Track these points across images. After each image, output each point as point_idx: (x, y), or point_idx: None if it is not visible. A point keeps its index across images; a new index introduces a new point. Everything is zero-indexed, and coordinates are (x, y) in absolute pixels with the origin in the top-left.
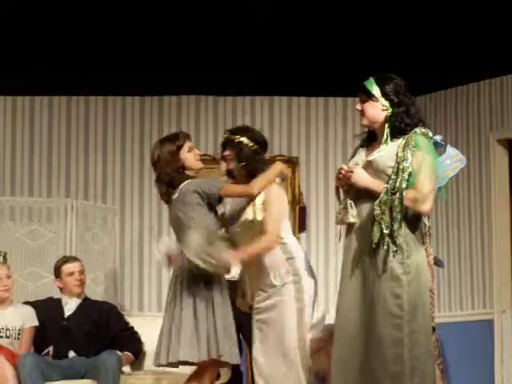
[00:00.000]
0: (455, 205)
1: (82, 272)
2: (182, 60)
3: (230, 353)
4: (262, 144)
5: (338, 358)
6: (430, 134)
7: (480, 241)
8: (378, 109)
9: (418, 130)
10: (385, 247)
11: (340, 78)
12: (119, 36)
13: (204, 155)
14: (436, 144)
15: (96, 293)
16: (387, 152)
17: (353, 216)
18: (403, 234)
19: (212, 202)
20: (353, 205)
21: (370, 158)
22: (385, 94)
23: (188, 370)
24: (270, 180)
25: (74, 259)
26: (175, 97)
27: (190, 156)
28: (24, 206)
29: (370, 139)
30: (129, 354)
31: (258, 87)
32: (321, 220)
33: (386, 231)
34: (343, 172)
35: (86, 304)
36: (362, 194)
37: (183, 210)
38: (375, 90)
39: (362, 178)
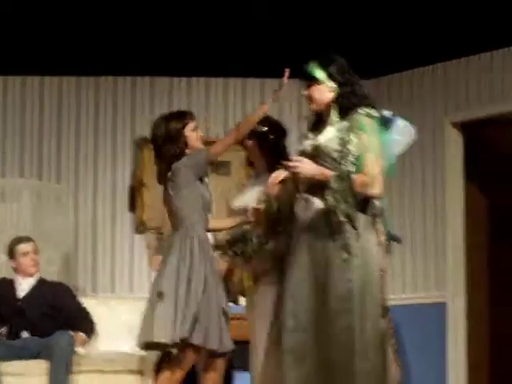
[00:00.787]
0: (409, 188)
1: (36, 252)
2: (133, 40)
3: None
4: (281, 131)
5: (291, 350)
6: (375, 114)
7: (433, 224)
8: (325, 91)
9: (361, 110)
10: (341, 234)
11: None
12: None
13: None
14: (384, 119)
15: (50, 273)
16: (333, 135)
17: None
18: (356, 217)
19: (201, 175)
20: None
21: (317, 142)
22: (329, 76)
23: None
24: (254, 122)
25: (28, 239)
26: (130, 77)
27: (193, 135)
28: None
29: (318, 122)
30: (82, 334)
31: (212, 68)
32: None
33: (343, 219)
34: (281, 175)
35: (40, 284)
36: (313, 186)
37: (175, 189)
38: (319, 73)
39: (309, 167)
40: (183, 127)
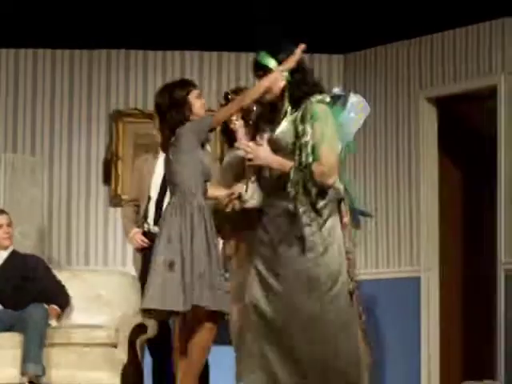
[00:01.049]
0: (383, 162)
1: (9, 225)
2: (109, 13)
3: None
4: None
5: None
6: (327, 99)
7: (408, 199)
8: (277, 80)
9: (313, 98)
10: (305, 224)
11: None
12: None
13: (133, 109)
14: (336, 97)
15: (24, 246)
16: (287, 128)
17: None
18: (319, 202)
19: (204, 141)
20: (249, 187)
21: (274, 135)
22: (280, 64)
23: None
24: (260, 91)
25: (2, 212)
26: (104, 50)
27: (197, 102)
28: None
29: (271, 112)
30: (56, 307)
31: (188, 41)
32: None
33: (303, 208)
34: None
35: (14, 257)
36: (271, 176)
37: (176, 154)
38: (270, 62)
39: (262, 157)
40: (187, 94)
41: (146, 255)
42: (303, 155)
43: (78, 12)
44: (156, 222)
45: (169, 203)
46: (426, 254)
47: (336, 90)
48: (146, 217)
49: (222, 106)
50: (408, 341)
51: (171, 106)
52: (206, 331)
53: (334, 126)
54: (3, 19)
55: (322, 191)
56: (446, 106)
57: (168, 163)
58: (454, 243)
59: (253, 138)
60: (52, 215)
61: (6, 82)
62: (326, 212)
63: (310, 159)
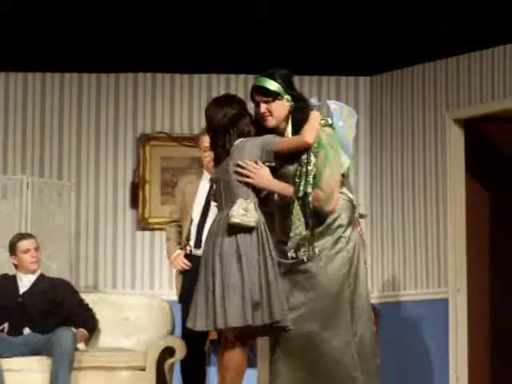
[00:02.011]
0: (411, 185)
1: (37, 249)
2: (135, 37)
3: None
4: None
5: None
6: (330, 121)
7: (435, 221)
8: (284, 106)
9: None
10: (310, 252)
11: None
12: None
13: (160, 133)
14: (314, 107)
15: (51, 269)
16: (291, 156)
17: (254, 220)
18: (339, 222)
19: (265, 159)
20: (256, 207)
21: (278, 164)
22: (285, 89)
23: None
24: (316, 127)
25: (30, 236)
26: (131, 74)
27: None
28: None
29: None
30: (83, 330)
31: (214, 64)
32: None
33: (301, 241)
34: (246, 171)
35: (41, 280)
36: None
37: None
38: (279, 88)
39: (264, 181)
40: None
41: (186, 277)
42: (303, 183)
43: (105, 36)
44: (197, 245)
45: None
46: (453, 275)
47: (312, 101)
48: (188, 239)
49: None
50: (436, 364)
51: (236, 118)
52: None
53: (337, 146)
54: (31, 43)
55: (319, 217)
56: (473, 128)
57: (226, 172)
58: (481, 264)
59: None
60: (79, 239)
61: (33, 106)
62: (349, 225)
63: (310, 189)
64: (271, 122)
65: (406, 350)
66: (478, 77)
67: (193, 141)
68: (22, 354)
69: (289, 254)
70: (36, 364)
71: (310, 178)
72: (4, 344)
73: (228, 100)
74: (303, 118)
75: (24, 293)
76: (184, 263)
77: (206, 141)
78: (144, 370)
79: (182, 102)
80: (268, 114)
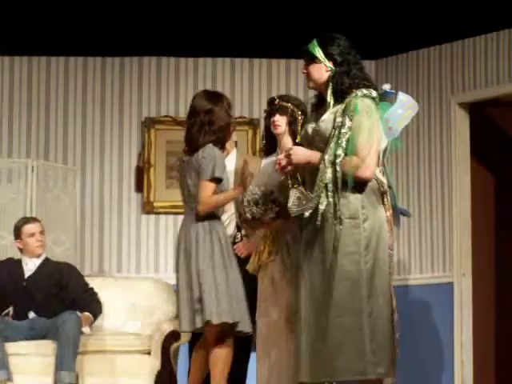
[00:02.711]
0: (416, 168)
1: (42, 233)
2: (140, 20)
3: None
4: (303, 111)
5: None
6: (374, 94)
7: (441, 204)
8: (322, 70)
9: (359, 92)
10: (336, 217)
11: (300, 40)
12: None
13: (165, 116)
14: (386, 93)
15: (56, 253)
16: (329, 118)
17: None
18: (357, 198)
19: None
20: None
21: (317, 126)
22: (328, 55)
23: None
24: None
25: (35, 220)
26: (136, 58)
27: None
28: None
29: (320, 103)
30: (88, 314)
31: (220, 48)
32: None
33: (322, 207)
34: (282, 162)
35: (47, 264)
36: (311, 176)
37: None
38: (318, 52)
39: (302, 154)
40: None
41: None
42: (336, 147)
43: (110, 19)
44: None
45: None
46: (458, 259)
47: (386, 87)
48: None
49: (265, 111)
50: (441, 347)
51: (217, 118)
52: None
53: (378, 120)
54: (35, 27)
55: (359, 184)
56: (478, 111)
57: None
58: (487, 248)
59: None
60: (84, 223)
61: (38, 90)
62: (366, 204)
63: (341, 152)
64: (309, 83)
65: (411, 333)
66: (483, 61)
67: None
68: (27, 338)
69: (306, 213)
70: (41, 348)
71: (343, 141)
72: (9, 328)
73: (216, 98)
74: (341, 85)
75: (29, 277)
76: None
77: None
78: (149, 353)
79: (186, 85)
80: (306, 75)
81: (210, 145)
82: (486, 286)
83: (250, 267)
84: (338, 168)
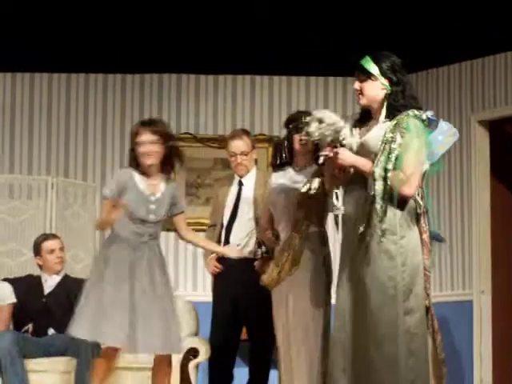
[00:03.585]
0: (435, 186)
1: (62, 249)
2: (161, 38)
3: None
4: None
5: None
6: (424, 116)
7: (460, 222)
8: (378, 88)
9: (410, 112)
10: (377, 230)
11: (322, 58)
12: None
13: (185, 133)
14: (429, 120)
15: (75, 270)
16: (379, 133)
17: (338, 208)
18: (396, 215)
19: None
20: (338, 195)
21: (363, 138)
22: (383, 73)
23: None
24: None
25: (54, 236)
26: (156, 75)
27: None
28: (4, 183)
29: (363, 119)
30: None
31: (240, 65)
32: None
33: (379, 214)
34: (330, 154)
35: (66, 281)
36: (351, 181)
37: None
38: (374, 69)
39: (349, 156)
40: None
41: (217, 279)
42: (385, 161)
43: (130, 37)
44: None
45: None
46: (478, 277)
47: (428, 114)
48: (219, 242)
49: (287, 126)
50: (460, 365)
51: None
52: None
53: (425, 142)
54: (56, 44)
55: (401, 200)
56: (498, 129)
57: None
58: (506, 266)
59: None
60: (103, 239)
61: (58, 108)
62: (403, 222)
63: (391, 166)
64: (362, 100)
65: None
66: (503, 78)
67: (217, 142)
68: (47, 355)
69: (360, 228)
70: (61, 364)
71: (392, 157)
72: (29, 344)
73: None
74: (398, 105)
75: (48, 293)
76: (215, 266)
77: (233, 146)
78: None
79: (206, 102)
80: (359, 91)
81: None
82: (505, 303)
83: (267, 280)
84: (388, 182)
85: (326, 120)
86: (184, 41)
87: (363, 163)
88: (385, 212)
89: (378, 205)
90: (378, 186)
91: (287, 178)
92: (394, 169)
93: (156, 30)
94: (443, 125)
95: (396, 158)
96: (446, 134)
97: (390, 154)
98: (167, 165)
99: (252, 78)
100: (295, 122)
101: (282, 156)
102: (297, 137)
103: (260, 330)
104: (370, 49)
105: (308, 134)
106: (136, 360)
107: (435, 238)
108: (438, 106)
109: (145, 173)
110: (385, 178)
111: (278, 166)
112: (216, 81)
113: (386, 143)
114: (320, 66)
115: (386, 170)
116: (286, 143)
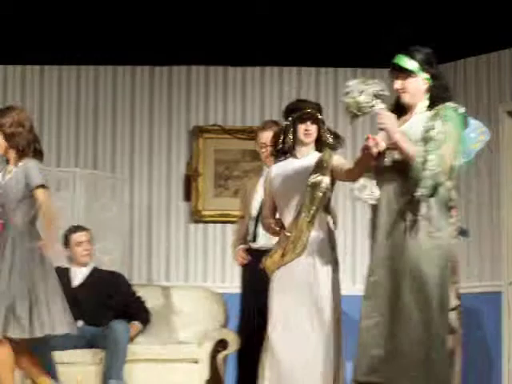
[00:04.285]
0: (463, 176)
1: (90, 242)
2: (189, 30)
3: None
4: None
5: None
6: (461, 110)
7: (489, 213)
8: (419, 83)
9: (449, 104)
10: (418, 222)
11: (367, 49)
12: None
13: (213, 125)
14: (463, 115)
15: (105, 262)
16: (416, 122)
17: (374, 197)
18: (432, 206)
19: None
20: (372, 184)
21: (402, 128)
22: (422, 67)
23: (193, 339)
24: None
25: (83, 229)
26: (184, 67)
27: None
28: None
29: (397, 111)
30: (137, 323)
31: (269, 57)
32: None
33: (423, 199)
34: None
35: (95, 273)
36: (390, 172)
37: None
38: (413, 65)
39: (395, 124)
40: None
41: (246, 270)
42: (426, 149)
43: (158, 28)
44: (254, 238)
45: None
46: (507, 268)
47: (462, 110)
48: (248, 233)
49: (287, 114)
50: (489, 356)
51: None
52: None
53: (461, 134)
54: (84, 37)
55: (436, 189)
56: None
57: None
58: None
59: None
60: (133, 231)
61: (86, 100)
62: (437, 212)
63: (433, 155)
64: (405, 97)
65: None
66: None
67: (246, 133)
68: (76, 347)
69: (407, 221)
70: (90, 357)
71: (434, 145)
72: (58, 337)
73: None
74: (440, 97)
75: (77, 286)
76: (243, 257)
77: (262, 137)
78: (197, 362)
79: (234, 94)
80: (402, 90)
81: None
82: None
83: (269, 263)
84: (429, 170)
85: (364, 84)
86: (212, 33)
87: (409, 145)
88: (425, 201)
89: (420, 193)
90: (420, 175)
91: (288, 166)
92: (435, 156)
93: (185, 21)
94: (473, 122)
95: (437, 146)
96: (477, 132)
97: (431, 142)
98: (14, 148)
99: (280, 69)
100: (297, 110)
101: (284, 145)
102: (302, 126)
103: None
104: (397, 42)
105: (358, 104)
106: (162, 352)
107: (462, 233)
108: (466, 96)
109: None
110: (425, 166)
111: (278, 154)
112: (244, 72)
113: (427, 131)
114: (348, 57)
115: (427, 158)
116: (290, 132)
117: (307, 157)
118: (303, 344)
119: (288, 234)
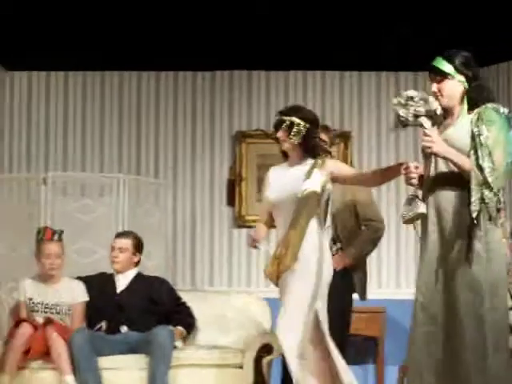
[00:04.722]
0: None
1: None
2: (231, 35)
3: None
4: (313, 121)
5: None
6: (502, 110)
7: None
8: (455, 86)
9: (489, 105)
10: (473, 229)
11: (392, 53)
12: (169, 13)
13: (256, 130)
14: (506, 115)
15: (148, 267)
16: (461, 128)
17: (423, 206)
18: (486, 215)
19: None
20: (420, 196)
21: (444, 136)
22: (459, 70)
23: (237, 344)
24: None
25: (123, 235)
26: (227, 72)
27: None
28: (76, 181)
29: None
30: (181, 328)
31: (310, 61)
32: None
33: (492, 214)
34: (412, 167)
35: (139, 279)
36: (438, 182)
37: None
38: (448, 68)
39: (443, 144)
40: None
41: None
42: (480, 157)
43: (201, 34)
44: None
45: None
46: None
47: (506, 111)
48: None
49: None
50: None
51: None
52: None
53: (506, 136)
54: (125, 43)
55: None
56: None
57: None
58: None
59: None
60: (176, 237)
61: (129, 106)
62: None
63: (487, 163)
64: (442, 101)
65: None
66: None
67: None
68: (120, 352)
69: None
70: (134, 362)
71: (486, 151)
72: (102, 342)
73: None
74: (479, 99)
75: (121, 291)
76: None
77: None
78: (241, 367)
79: (277, 98)
80: (438, 93)
81: None
82: None
83: (268, 272)
84: (489, 179)
85: (415, 96)
86: (254, 37)
87: (460, 158)
88: (487, 209)
89: (477, 203)
90: (479, 184)
91: (284, 173)
92: (489, 163)
93: (225, 26)
94: None
95: (489, 154)
96: None
97: (481, 147)
98: None
99: (322, 73)
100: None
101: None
102: (278, 135)
103: (330, 326)
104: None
105: (400, 118)
106: (206, 357)
107: None
108: (509, 99)
109: None
110: (483, 175)
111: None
112: (287, 77)
113: (474, 137)
114: (373, 60)
115: (481, 168)
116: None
117: (299, 165)
118: None
119: (282, 245)
